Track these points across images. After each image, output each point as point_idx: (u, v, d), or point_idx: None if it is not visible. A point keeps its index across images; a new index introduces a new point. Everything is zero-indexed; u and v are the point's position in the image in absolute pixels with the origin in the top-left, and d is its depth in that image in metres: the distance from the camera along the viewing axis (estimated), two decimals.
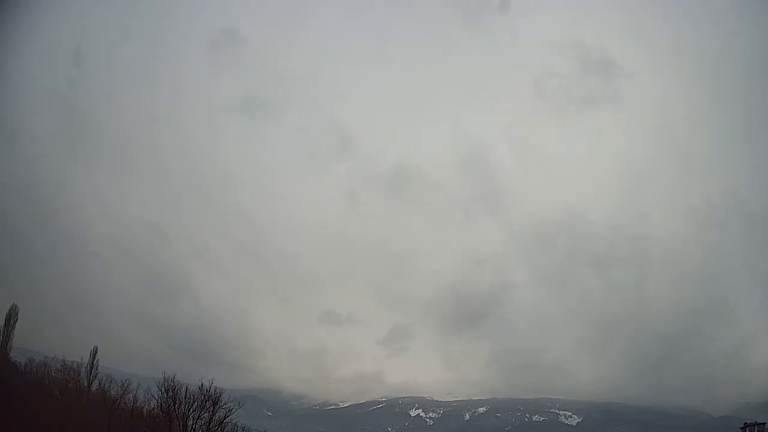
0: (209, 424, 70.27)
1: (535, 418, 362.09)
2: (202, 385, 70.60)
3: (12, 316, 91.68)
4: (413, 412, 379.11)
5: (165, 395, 69.01)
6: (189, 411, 69.43)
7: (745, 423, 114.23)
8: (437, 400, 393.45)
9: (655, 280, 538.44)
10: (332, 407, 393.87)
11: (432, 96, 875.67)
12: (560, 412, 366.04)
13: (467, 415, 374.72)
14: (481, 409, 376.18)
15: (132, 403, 77.75)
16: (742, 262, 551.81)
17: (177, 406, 68.87)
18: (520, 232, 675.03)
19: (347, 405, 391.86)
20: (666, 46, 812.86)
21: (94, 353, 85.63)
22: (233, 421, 75.73)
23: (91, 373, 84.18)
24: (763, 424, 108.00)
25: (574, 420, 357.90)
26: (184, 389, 70.24)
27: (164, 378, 69.89)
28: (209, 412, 70.08)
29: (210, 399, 70.04)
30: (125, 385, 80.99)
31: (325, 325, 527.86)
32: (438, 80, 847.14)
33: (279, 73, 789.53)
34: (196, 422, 69.87)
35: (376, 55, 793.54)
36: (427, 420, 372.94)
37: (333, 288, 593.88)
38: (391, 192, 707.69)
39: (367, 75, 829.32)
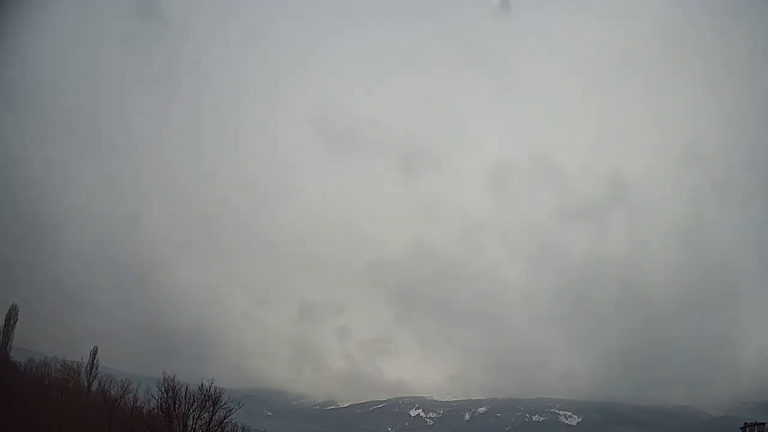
0: (209, 424, 70.24)
1: (535, 418, 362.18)
2: (202, 385, 70.66)
3: (12, 316, 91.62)
4: (413, 412, 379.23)
5: (165, 395, 68.98)
6: (189, 411, 69.40)
7: (745, 423, 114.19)
8: (437, 400, 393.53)
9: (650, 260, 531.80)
10: (332, 407, 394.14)
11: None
12: (560, 412, 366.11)
13: (467, 415, 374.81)
14: (481, 409, 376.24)
15: (132, 403, 77.64)
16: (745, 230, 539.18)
17: (177, 406, 68.84)
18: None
19: (347, 405, 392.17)
20: None
21: (94, 353, 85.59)
22: (233, 421, 75.68)
23: (91, 373, 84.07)
24: (763, 424, 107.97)
25: (574, 420, 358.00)
26: (184, 389, 70.24)
27: (164, 378, 69.94)
28: (209, 412, 70.05)
29: (210, 399, 70.00)
30: (125, 385, 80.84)
31: (320, 322, 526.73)
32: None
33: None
34: (196, 422, 69.84)
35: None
36: (427, 420, 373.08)
37: (326, 283, 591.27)
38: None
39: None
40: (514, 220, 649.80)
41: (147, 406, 75.54)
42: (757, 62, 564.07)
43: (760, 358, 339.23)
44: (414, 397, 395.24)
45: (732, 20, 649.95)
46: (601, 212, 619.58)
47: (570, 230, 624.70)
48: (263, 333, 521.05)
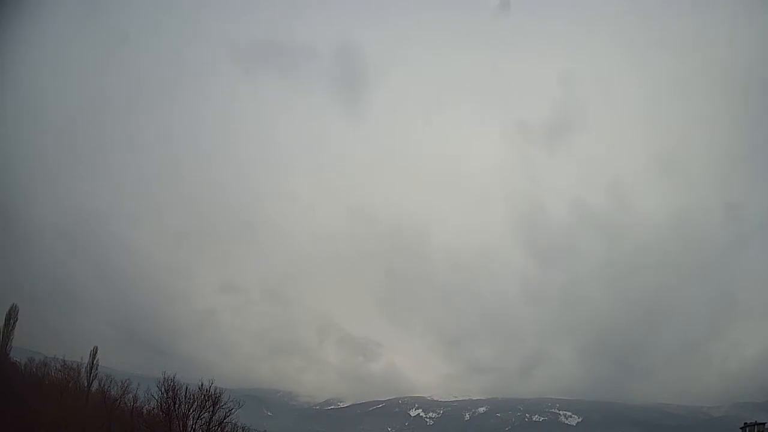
0: (209, 424, 70.10)
1: (535, 418, 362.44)
2: (202, 385, 70.49)
3: (12, 316, 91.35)
4: (413, 412, 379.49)
5: (165, 395, 68.85)
6: (189, 411, 69.24)
7: (745, 423, 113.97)
8: (437, 400, 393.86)
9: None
10: (332, 407, 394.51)
11: None
12: (560, 412, 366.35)
13: (467, 415, 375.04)
14: (481, 409, 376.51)
15: (132, 403, 77.68)
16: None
17: (177, 406, 68.67)
18: None
19: (347, 405, 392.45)
20: None
21: (94, 353, 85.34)
22: (233, 421, 75.55)
23: (91, 373, 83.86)
24: (763, 424, 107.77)
25: (574, 420, 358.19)
26: (184, 389, 70.14)
27: (164, 378, 69.81)
28: (209, 412, 69.89)
29: (210, 399, 69.88)
30: (125, 385, 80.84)
31: (318, 320, 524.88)
32: None
33: None
34: (196, 422, 69.71)
35: None
36: (427, 420, 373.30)
37: (323, 281, 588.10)
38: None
39: None
40: (470, 163, 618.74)
41: (147, 406, 75.42)
42: None
43: (759, 358, 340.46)
44: (414, 397, 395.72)
45: None
46: (561, 138, 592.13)
47: (532, 168, 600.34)
48: (261, 332, 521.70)
